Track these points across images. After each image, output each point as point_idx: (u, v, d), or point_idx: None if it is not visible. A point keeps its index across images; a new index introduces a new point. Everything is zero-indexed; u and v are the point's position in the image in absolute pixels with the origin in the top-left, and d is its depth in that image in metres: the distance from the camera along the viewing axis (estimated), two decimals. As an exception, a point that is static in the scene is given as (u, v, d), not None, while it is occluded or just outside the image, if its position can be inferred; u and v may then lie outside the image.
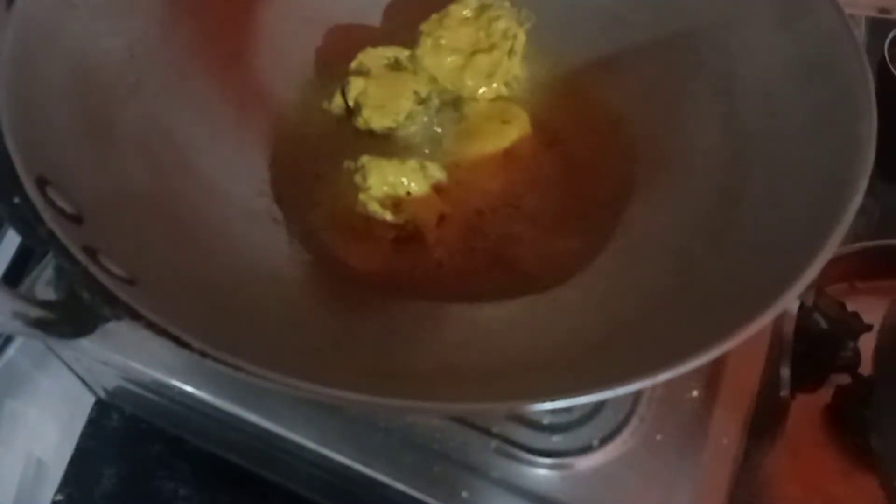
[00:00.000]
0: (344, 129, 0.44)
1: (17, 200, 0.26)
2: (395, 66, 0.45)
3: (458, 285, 0.39)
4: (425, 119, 0.45)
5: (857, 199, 0.29)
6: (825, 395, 0.45)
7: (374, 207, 0.38)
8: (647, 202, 0.40)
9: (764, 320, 0.26)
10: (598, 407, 0.37)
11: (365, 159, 0.39)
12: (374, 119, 0.43)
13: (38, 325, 0.26)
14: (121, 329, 0.26)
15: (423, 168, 0.40)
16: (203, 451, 0.48)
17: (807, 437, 0.44)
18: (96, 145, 0.33)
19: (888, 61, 0.55)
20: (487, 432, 0.36)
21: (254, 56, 0.45)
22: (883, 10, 0.59)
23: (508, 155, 0.43)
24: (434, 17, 0.46)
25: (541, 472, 0.36)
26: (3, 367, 0.47)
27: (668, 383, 0.38)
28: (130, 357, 0.39)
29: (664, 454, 0.36)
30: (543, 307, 0.37)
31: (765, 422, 0.37)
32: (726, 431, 0.37)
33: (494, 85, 0.45)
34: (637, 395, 0.37)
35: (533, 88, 0.47)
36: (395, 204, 0.39)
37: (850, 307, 0.44)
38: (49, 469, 0.48)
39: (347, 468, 0.37)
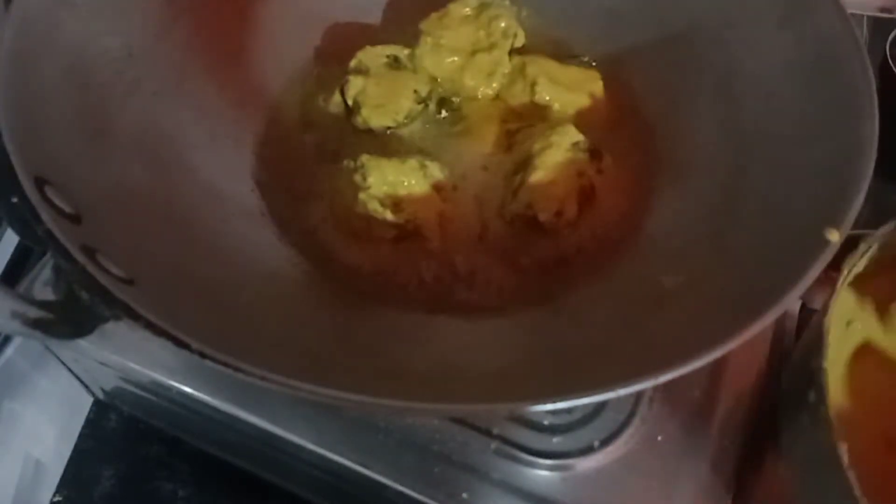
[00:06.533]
0: (343, 128, 0.44)
1: (15, 200, 0.26)
2: (395, 64, 0.45)
3: (458, 285, 0.38)
4: (425, 118, 0.44)
5: (860, 200, 0.29)
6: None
7: (374, 207, 0.38)
8: (649, 203, 0.40)
9: (766, 321, 0.26)
10: (599, 408, 0.37)
11: (365, 158, 0.39)
12: (374, 118, 0.43)
13: (37, 325, 0.26)
14: (120, 329, 0.26)
15: (423, 167, 0.39)
16: (202, 451, 0.47)
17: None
18: (95, 144, 0.33)
19: (890, 61, 0.55)
20: (487, 433, 0.36)
21: (252, 55, 0.45)
22: (885, 10, 0.59)
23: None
24: (434, 15, 0.46)
25: (541, 474, 0.35)
26: (1, 367, 0.47)
27: (669, 384, 0.38)
28: (129, 357, 0.39)
29: (665, 455, 0.36)
30: (543, 306, 0.37)
31: (766, 422, 0.37)
32: (727, 432, 0.37)
33: (494, 84, 0.45)
34: (638, 396, 0.37)
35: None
36: (395, 203, 0.38)
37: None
38: (47, 470, 0.48)
39: (347, 469, 0.36)
